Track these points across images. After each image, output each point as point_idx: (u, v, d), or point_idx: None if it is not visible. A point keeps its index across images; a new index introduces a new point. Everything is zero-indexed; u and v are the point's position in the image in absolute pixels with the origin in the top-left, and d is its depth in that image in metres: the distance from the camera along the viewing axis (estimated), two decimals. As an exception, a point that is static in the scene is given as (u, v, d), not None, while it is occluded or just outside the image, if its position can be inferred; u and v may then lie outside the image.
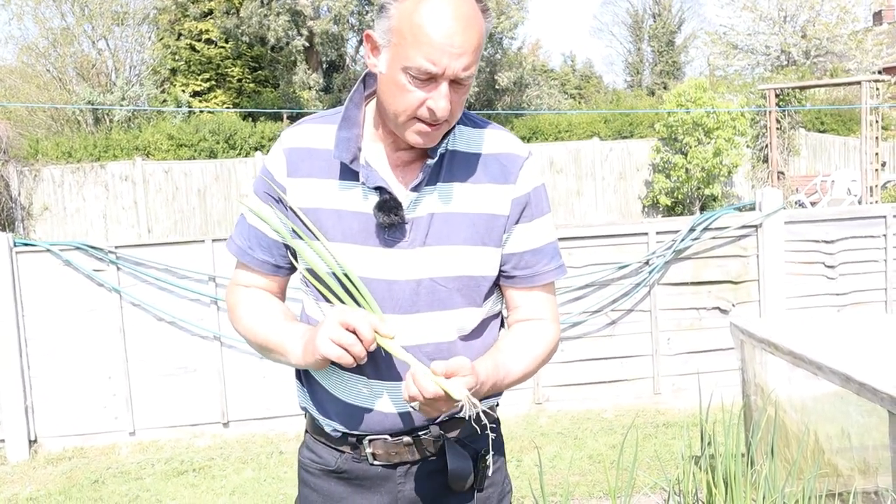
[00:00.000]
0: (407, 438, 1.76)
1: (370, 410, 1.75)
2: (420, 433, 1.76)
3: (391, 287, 1.70)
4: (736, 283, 6.08)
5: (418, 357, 1.63)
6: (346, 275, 1.70)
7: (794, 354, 3.69)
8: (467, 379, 1.55)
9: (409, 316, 1.71)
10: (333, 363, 1.65)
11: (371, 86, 1.80)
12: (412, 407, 1.58)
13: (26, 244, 5.70)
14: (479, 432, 1.69)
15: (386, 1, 1.63)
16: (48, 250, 5.66)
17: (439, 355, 1.69)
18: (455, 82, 1.62)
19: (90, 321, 5.69)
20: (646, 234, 5.97)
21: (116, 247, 5.67)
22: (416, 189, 1.71)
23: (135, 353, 5.73)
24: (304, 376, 1.86)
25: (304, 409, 1.90)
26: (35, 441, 5.69)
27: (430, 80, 1.60)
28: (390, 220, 1.68)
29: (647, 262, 5.98)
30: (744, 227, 6.01)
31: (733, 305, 6.06)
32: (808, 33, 26.13)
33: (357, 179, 1.72)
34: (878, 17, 33.30)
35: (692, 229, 5.95)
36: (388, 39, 1.62)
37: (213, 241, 5.72)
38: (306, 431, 1.91)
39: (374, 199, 1.70)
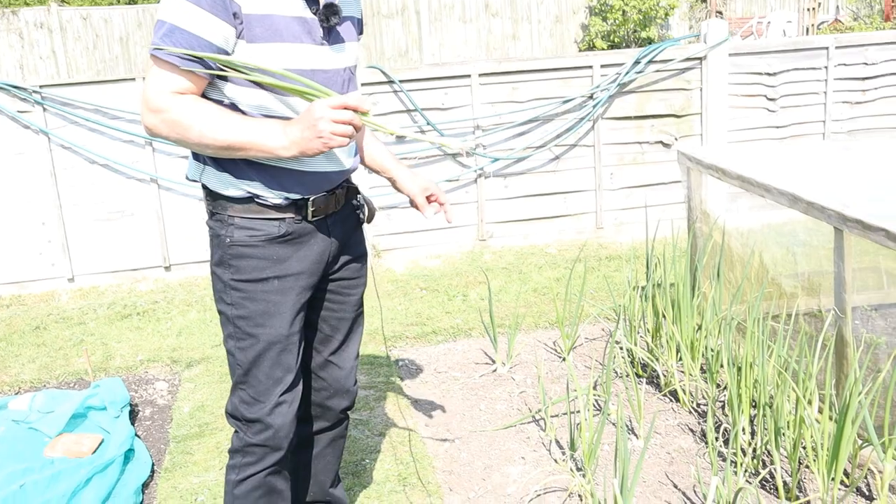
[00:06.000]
0: (337, 191, 2.23)
1: (325, 173, 2.16)
2: (343, 185, 2.27)
3: (328, 75, 2.10)
4: (679, 116, 6.07)
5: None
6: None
7: (742, 178, 3.71)
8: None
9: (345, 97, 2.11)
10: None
11: None
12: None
13: (-58, 85, 5.37)
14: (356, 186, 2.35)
15: None
16: (-34, 91, 5.35)
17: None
18: None
19: (18, 165, 5.46)
20: (590, 67, 5.87)
21: (41, 86, 5.37)
22: None
23: (68, 198, 5.54)
24: (248, 163, 2.06)
25: (231, 197, 2.10)
26: (-31, 289, 5.54)
27: None
28: (336, 21, 2.08)
29: (591, 96, 5.91)
30: (688, 59, 5.95)
31: (676, 139, 6.06)
32: None
33: None
34: None
35: (637, 62, 5.87)
36: None
37: (144, 79, 5.45)
38: (230, 217, 2.12)
39: (304, 7, 2.04)
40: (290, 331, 2.19)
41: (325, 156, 2.12)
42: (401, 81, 5.66)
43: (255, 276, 2.14)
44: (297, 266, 2.17)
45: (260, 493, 2.26)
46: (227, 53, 1.96)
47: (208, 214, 2.19)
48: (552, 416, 3.53)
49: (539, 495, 3.00)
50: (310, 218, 2.16)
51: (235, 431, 2.27)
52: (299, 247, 2.17)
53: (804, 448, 2.88)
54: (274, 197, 2.10)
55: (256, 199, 2.10)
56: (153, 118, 1.97)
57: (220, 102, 2.03)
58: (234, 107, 2.03)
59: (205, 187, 2.16)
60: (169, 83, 1.95)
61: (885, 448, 2.75)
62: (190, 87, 1.97)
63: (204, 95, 2.03)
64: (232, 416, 2.25)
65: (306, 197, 2.14)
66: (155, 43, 1.94)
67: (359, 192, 2.38)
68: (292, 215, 2.14)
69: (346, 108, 1.92)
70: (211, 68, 1.96)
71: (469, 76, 5.75)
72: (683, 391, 3.61)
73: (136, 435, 3.52)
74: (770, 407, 2.96)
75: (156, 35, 1.94)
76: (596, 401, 3.60)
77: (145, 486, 3.21)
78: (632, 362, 3.97)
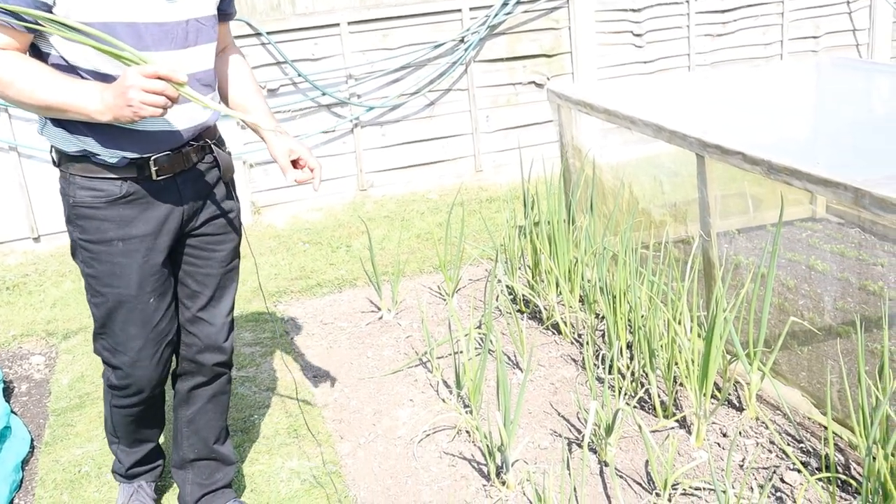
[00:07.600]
0: (185, 149, 2.17)
1: (163, 132, 2.10)
2: (192, 143, 2.20)
3: (165, 28, 2.01)
4: (550, 56, 6.13)
5: (197, 87, 2.07)
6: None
7: (608, 112, 3.79)
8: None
9: (185, 50, 2.07)
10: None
11: None
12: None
13: None
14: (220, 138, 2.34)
15: None
16: None
17: (207, 79, 2.16)
18: None
19: None
20: (459, 10, 5.86)
21: None
22: None
23: (-79, 172, 5.24)
24: (79, 122, 2.00)
25: (70, 155, 2.07)
26: None
27: None
28: None
29: (462, 40, 5.91)
30: (555, -2, 6.01)
31: (548, 79, 6.14)
32: None
33: None
34: None
35: (505, 3, 5.88)
36: None
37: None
38: (72, 175, 2.10)
39: None
40: (140, 292, 2.20)
41: (166, 114, 2.01)
42: (269, 33, 5.53)
43: (99, 238, 2.13)
44: (142, 228, 2.15)
45: (130, 419, 2.47)
46: (48, 6, 1.89)
47: (58, 171, 2.17)
48: (438, 358, 3.58)
49: (428, 435, 3.04)
50: (154, 178, 2.12)
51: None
52: (145, 207, 2.14)
53: (678, 367, 3.01)
54: (109, 156, 2.06)
55: (93, 158, 2.07)
56: None
57: (48, 56, 1.99)
58: (64, 61, 1.98)
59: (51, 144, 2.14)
60: None
61: (750, 360, 2.89)
62: (11, 43, 1.93)
63: (37, 48, 1.99)
64: (98, 354, 2.32)
65: (146, 156, 2.10)
66: None
67: (213, 149, 2.30)
68: (133, 175, 2.10)
69: (159, 78, 1.86)
70: (27, 22, 1.90)
71: (338, 24, 5.66)
72: (564, 323, 3.70)
73: (12, 412, 3.40)
74: (644, 329, 3.07)
75: None
76: (480, 339, 3.66)
77: (25, 462, 3.11)
78: (514, 299, 4.04)
